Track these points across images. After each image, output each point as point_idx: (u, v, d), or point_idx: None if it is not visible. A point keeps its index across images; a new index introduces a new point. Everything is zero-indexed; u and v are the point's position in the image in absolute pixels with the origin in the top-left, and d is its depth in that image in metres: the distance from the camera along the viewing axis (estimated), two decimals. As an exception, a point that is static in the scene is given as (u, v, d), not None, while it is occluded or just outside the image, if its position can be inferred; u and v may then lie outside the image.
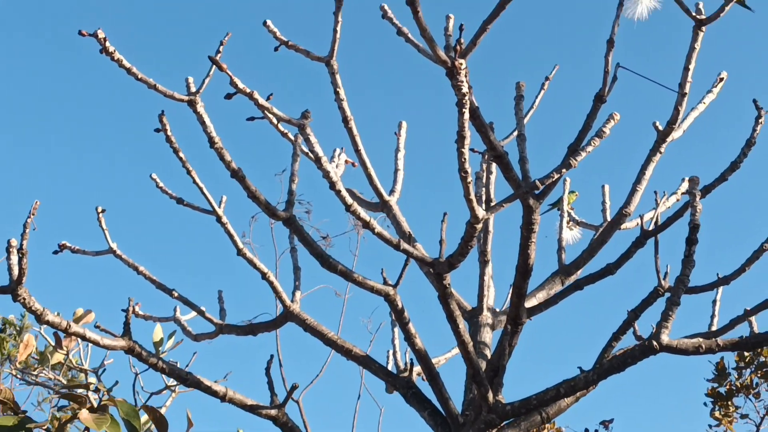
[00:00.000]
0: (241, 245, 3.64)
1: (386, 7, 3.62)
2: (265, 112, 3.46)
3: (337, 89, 3.64)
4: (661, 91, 3.62)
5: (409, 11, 3.09)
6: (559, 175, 3.35)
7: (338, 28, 3.69)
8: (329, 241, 6.39)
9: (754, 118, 3.89)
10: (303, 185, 3.73)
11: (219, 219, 3.67)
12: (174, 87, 3.37)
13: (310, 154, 3.28)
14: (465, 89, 2.95)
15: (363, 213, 3.26)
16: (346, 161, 4.07)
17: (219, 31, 3.38)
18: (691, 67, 3.56)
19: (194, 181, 3.57)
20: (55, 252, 3.92)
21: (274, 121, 3.84)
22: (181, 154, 3.48)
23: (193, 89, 3.40)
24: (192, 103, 3.36)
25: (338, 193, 3.23)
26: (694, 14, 3.53)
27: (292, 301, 3.79)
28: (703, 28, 3.55)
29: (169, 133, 3.42)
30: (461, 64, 2.95)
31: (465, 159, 3.04)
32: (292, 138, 3.83)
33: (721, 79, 4.00)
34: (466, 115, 2.98)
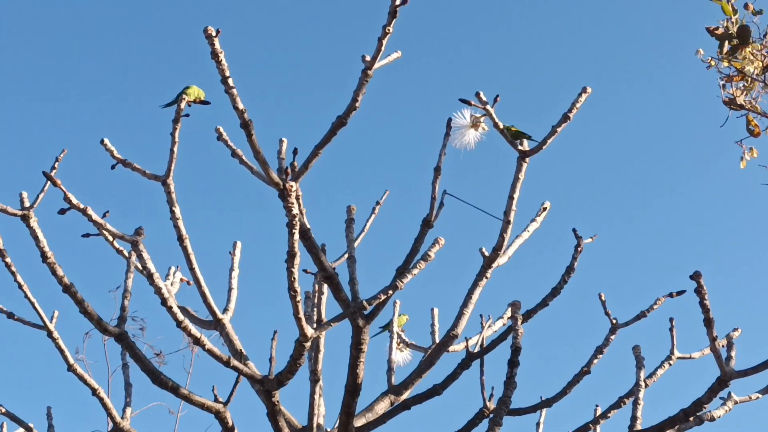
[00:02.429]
0: (72, 360, 3.63)
1: (221, 130, 3.72)
2: (100, 228, 3.50)
3: (173, 208, 3.71)
4: (486, 219, 3.78)
5: (243, 134, 3.21)
6: (386, 296, 3.45)
7: (175, 149, 3.78)
8: (163, 357, 6.37)
9: (573, 247, 4.06)
10: (138, 302, 3.77)
11: (50, 334, 3.66)
12: (7, 201, 3.39)
13: (144, 270, 3.32)
14: (295, 211, 3.05)
15: (194, 329, 3.30)
16: (181, 279, 4.12)
17: (56, 147, 3.42)
18: (516, 196, 3.73)
19: (26, 296, 3.57)
20: None
21: (109, 237, 3.87)
22: (13, 268, 3.48)
23: (27, 204, 3.43)
24: (25, 218, 3.39)
25: (170, 309, 3.27)
26: (518, 146, 3.72)
27: (122, 417, 3.78)
28: (527, 160, 3.73)
29: (0, 246, 3.43)
30: (292, 186, 3.05)
31: (294, 278, 3.13)
32: (127, 254, 3.86)
33: (545, 209, 4.18)
34: (296, 236, 3.07)
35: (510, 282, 4.22)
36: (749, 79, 5.73)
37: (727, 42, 3.62)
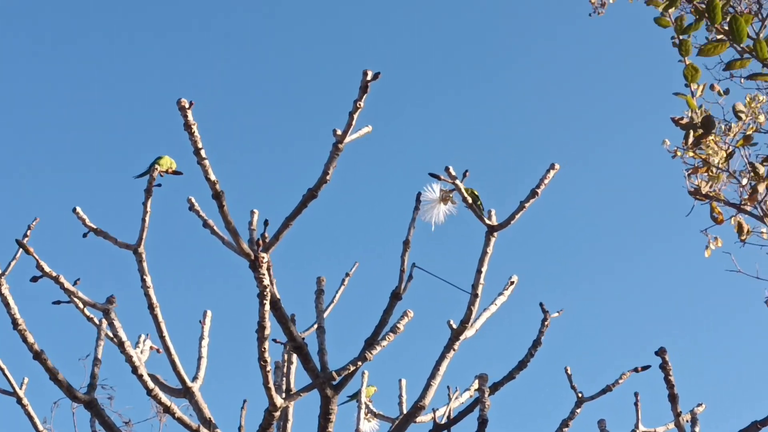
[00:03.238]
0: (41, 428, 3.64)
1: (193, 200, 3.76)
2: (71, 296, 3.52)
3: (144, 276, 3.74)
4: (455, 291, 3.82)
5: (215, 204, 3.25)
6: (355, 367, 3.49)
7: (147, 218, 3.82)
8: (131, 426, 6.36)
9: (541, 320, 4.11)
10: (108, 371, 3.78)
11: (20, 401, 3.67)
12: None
13: (115, 338, 3.34)
14: (266, 282, 3.09)
15: (164, 398, 3.32)
16: (151, 347, 4.13)
17: (28, 215, 3.46)
18: (483, 270, 3.77)
19: (-4, 362, 3.59)
20: None
21: (80, 305, 3.89)
22: (-18, 335, 3.50)
23: None
24: (-3, 285, 3.41)
25: (140, 377, 3.29)
26: (486, 221, 3.77)
27: (90, 486, 3.78)
28: (495, 234, 3.78)
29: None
30: (264, 258, 3.10)
31: (264, 348, 3.16)
32: (98, 322, 3.88)
33: (512, 283, 4.22)
34: (267, 307, 3.11)
35: (477, 354, 4.26)
36: (713, 169, 5.85)
37: (692, 132, 3.70)
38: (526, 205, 3.74)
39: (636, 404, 4.20)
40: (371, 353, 3.50)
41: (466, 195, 3.72)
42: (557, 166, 3.77)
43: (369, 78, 3.30)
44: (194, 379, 4.19)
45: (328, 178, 3.36)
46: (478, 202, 3.84)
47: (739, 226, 5.82)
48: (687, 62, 3.59)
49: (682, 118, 3.74)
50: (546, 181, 3.75)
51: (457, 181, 3.72)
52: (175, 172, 4.04)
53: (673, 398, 3.23)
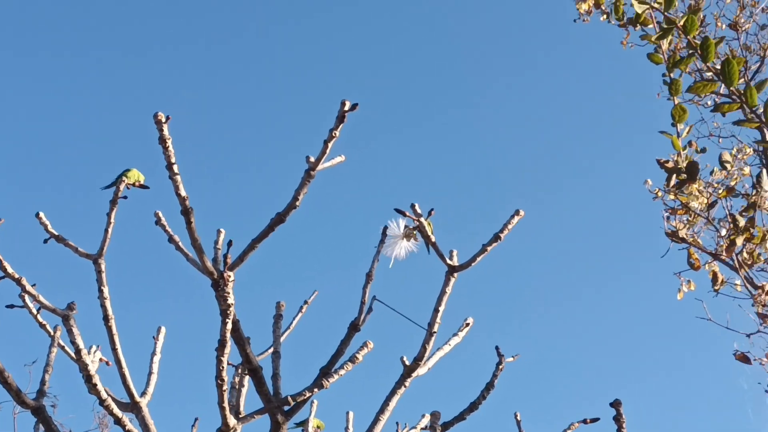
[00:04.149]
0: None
1: (160, 214, 3.74)
2: (34, 299, 3.49)
3: (102, 287, 3.70)
4: (411, 327, 3.83)
5: (182, 220, 3.24)
6: (310, 394, 3.47)
7: (110, 229, 3.79)
8: (72, 437, 6.27)
9: (495, 364, 4.13)
10: (51, 379, 3.73)
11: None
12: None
13: (69, 346, 3.31)
14: (231, 300, 3.07)
15: (116, 409, 3.29)
16: (101, 359, 4.09)
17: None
18: (441, 308, 3.78)
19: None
20: None
21: (34, 310, 3.85)
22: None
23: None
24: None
25: (94, 387, 3.26)
26: (447, 261, 3.78)
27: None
28: (455, 275, 3.79)
29: None
30: (230, 276, 3.08)
31: (223, 367, 3.14)
32: (51, 329, 3.84)
33: (467, 324, 4.23)
34: (229, 325, 3.09)
35: (429, 393, 4.26)
36: (693, 214, 5.94)
37: (675, 176, 3.74)
38: (488, 248, 3.76)
39: (581, 457, 4.21)
40: (328, 381, 3.49)
41: (429, 234, 3.74)
42: (522, 213, 3.80)
43: (347, 108, 3.31)
44: (143, 394, 4.15)
45: (297, 203, 3.36)
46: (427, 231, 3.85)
47: (714, 276, 5.89)
48: (676, 101, 3.63)
49: (667, 161, 3.78)
50: (510, 227, 3.77)
51: (422, 219, 3.73)
52: (142, 186, 4.02)
53: (624, 451, 3.24)
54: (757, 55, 9.93)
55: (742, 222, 4.59)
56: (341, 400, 4.51)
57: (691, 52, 3.35)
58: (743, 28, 9.76)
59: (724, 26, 9.71)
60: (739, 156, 7.73)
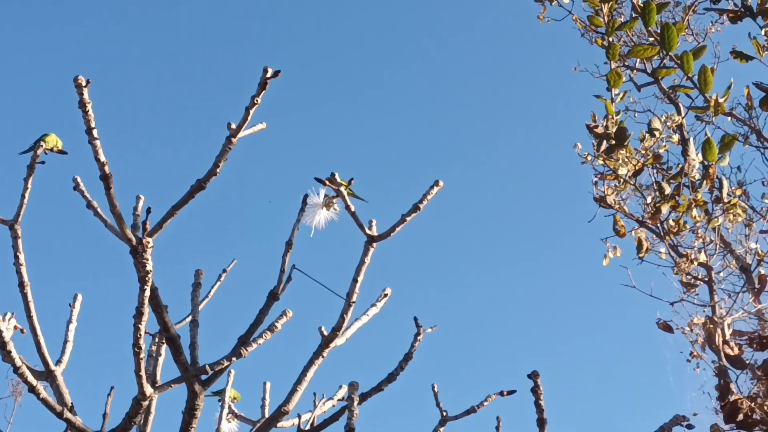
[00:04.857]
0: None
1: (79, 180, 3.68)
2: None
3: (18, 253, 3.65)
4: (331, 297, 3.82)
5: (101, 186, 3.19)
6: (228, 363, 3.46)
7: (26, 194, 3.73)
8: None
9: (414, 335, 4.14)
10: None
11: None
12: None
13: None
14: (149, 267, 3.04)
15: (30, 377, 3.25)
16: (15, 326, 4.03)
17: None
18: (360, 279, 3.77)
19: None
20: None
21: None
22: None
23: None
24: None
25: (8, 354, 3.21)
26: (367, 230, 3.78)
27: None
28: (374, 245, 3.79)
29: None
30: (149, 243, 3.05)
31: (140, 335, 3.11)
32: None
33: (386, 295, 4.24)
34: (147, 293, 3.07)
35: (348, 364, 4.26)
36: (621, 179, 5.99)
37: (604, 141, 3.77)
38: (407, 218, 3.76)
39: (497, 428, 4.24)
40: (246, 350, 3.47)
41: (348, 203, 3.73)
42: (441, 183, 3.81)
43: (269, 75, 3.28)
44: (58, 362, 4.10)
45: (218, 171, 3.33)
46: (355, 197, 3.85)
47: (639, 243, 5.95)
48: (612, 66, 3.66)
49: (596, 126, 3.82)
50: (429, 197, 3.77)
51: (342, 188, 3.73)
52: (61, 151, 3.96)
53: (541, 423, 3.27)
54: (681, 16, 10.00)
55: (668, 189, 4.65)
56: (259, 370, 4.51)
57: (634, 16, 3.37)
58: None
59: None
60: (668, 124, 7.81)
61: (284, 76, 3.33)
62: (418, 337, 4.13)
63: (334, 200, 3.88)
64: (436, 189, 3.79)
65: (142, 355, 3.15)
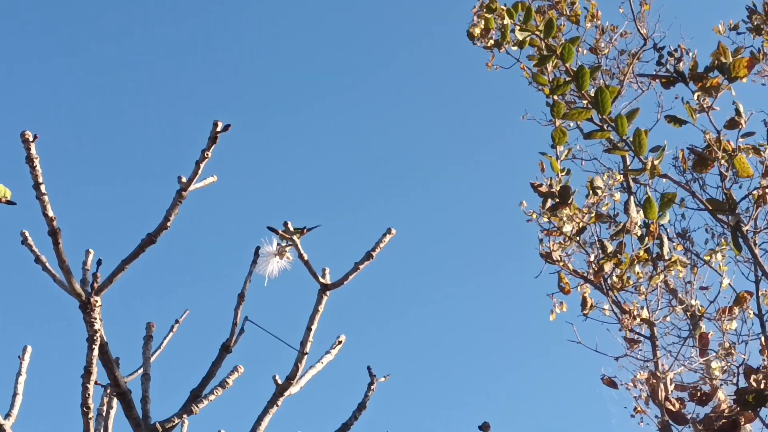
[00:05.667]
0: None
1: (27, 234, 3.65)
2: None
3: (-33, 308, 3.62)
4: (284, 346, 3.81)
5: (50, 240, 3.17)
6: (179, 420, 3.43)
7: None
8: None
9: (367, 384, 4.13)
10: None
11: None
12: None
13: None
14: (97, 326, 3.02)
15: (-23, 436, 3.22)
16: (-37, 382, 4.00)
17: None
18: (314, 327, 3.77)
19: None
20: None
21: None
22: None
23: None
24: None
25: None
26: (320, 279, 3.78)
27: None
28: (328, 293, 3.79)
29: None
30: (97, 301, 3.03)
31: (89, 395, 3.09)
32: None
33: (340, 342, 4.23)
34: (95, 351, 3.05)
35: (302, 413, 4.25)
36: (566, 236, 6.03)
37: (549, 199, 3.80)
38: (361, 267, 3.76)
39: (451, 473, 4.25)
40: (198, 407, 3.45)
41: (302, 251, 3.73)
42: (393, 231, 3.82)
43: (219, 129, 3.28)
44: (7, 416, 4.05)
45: (168, 224, 3.32)
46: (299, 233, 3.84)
47: (584, 300, 5.99)
48: (557, 123, 3.69)
49: (541, 185, 3.84)
50: (382, 245, 3.78)
51: (294, 237, 3.72)
52: (9, 202, 3.92)
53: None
54: (617, 79, 10.12)
55: (610, 248, 4.69)
56: (213, 420, 4.48)
57: (568, 79, 3.40)
58: (603, 53, 9.93)
59: (585, 51, 9.85)
60: (609, 182, 7.88)
61: (235, 128, 3.33)
62: (372, 387, 4.12)
63: (287, 249, 3.87)
64: (388, 237, 3.80)
65: (90, 415, 3.13)
